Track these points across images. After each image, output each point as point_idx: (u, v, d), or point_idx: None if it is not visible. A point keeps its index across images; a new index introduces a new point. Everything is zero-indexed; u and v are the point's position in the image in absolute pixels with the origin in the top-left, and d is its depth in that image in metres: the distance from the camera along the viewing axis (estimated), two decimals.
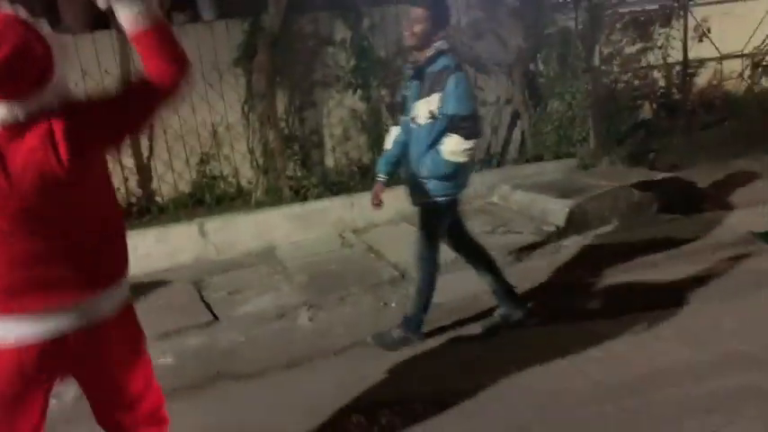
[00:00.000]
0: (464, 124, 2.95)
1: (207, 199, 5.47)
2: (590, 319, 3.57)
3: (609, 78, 6.51)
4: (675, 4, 7.17)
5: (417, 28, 2.99)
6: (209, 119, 5.54)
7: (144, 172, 5.45)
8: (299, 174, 5.71)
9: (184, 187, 5.56)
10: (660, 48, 7.23)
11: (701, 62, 7.55)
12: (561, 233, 4.81)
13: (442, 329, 3.52)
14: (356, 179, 5.75)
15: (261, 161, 5.48)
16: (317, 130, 5.96)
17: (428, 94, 3.00)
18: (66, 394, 3.02)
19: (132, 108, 1.78)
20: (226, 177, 5.71)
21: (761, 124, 6.87)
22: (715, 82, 7.72)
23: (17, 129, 1.61)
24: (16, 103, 1.59)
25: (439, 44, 3.02)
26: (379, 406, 2.84)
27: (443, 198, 3.13)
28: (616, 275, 4.06)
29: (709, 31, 7.58)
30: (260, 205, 5.39)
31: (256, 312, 3.98)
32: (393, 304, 3.94)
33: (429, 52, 3.01)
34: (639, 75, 7.12)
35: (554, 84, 6.19)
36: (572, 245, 4.69)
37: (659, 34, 7.24)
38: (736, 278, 3.86)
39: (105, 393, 1.94)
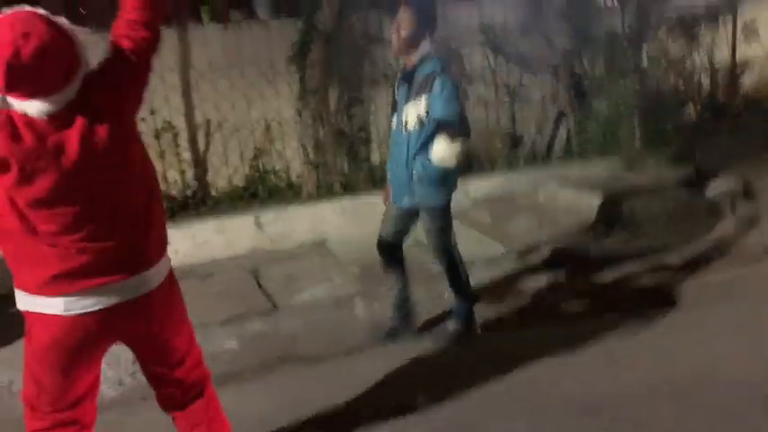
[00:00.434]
0: (450, 125, 2.95)
1: (260, 192, 5.65)
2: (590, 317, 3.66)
3: (655, 79, 6.52)
4: (722, 5, 7.14)
5: (403, 32, 3.02)
6: (264, 115, 5.71)
7: (200, 165, 5.66)
8: (347, 169, 5.86)
9: (238, 181, 5.75)
10: (706, 49, 7.20)
11: (748, 63, 7.50)
12: (608, 231, 4.89)
13: None
14: None
15: (312, 156, 5.64)
16: (364, 127, 6.10)
17: (415, 98, 3.02)
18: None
19: (143, 64, 1.92)
20: (277, 172, 5.88)
21: None
22: (762, 83, 7.65)
23: (62, 119, 1.74)
24: (52, 96, 1.71)
25: (425, 47, 3.05)
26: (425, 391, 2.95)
27: (438, 203, 3.19)
28: (654, 276, 4.12)
29: (757, 31, 7.52)
30: (311, 199, 5.55)
31: (313, 301, 4.14)
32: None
33: (416, 57, 3.05)
34: (685, 76, 7.09)
35: (600, 84, 6.23)
36: (616, 243, 4.76)
37: (705, 35, 7.21)
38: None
39: (153, 355, 2.11)
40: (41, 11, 1.73)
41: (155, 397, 2.24)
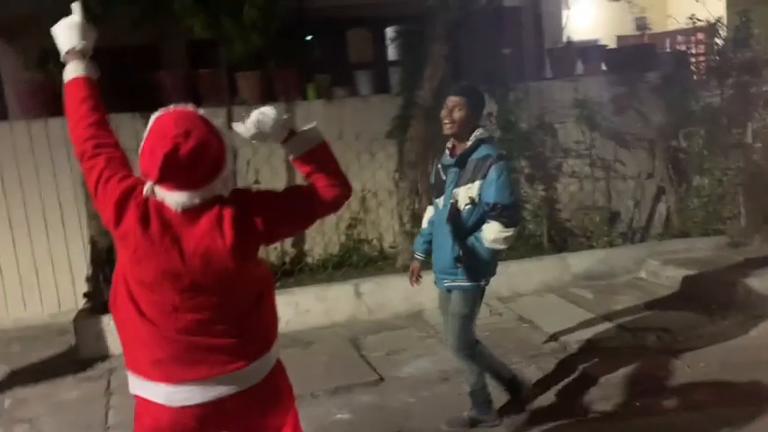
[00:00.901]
0: (505, 212, 2.94)
1: (354, 261, 5.69)
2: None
3: (760, 155, 6.33)
4: None
5: (457, 115, 3.01)
6: (361, 186, 5.83)
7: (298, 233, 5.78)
8: None
9: (332, 249, 5.82)
10: None
11: None
12: (723, 312, 4.64)
13: None
14: None
15: (408, 227, 5.68)
16: None
17: (470, 182, 2.99)
18: None
19: (294, 208, 1.95)
20: (370, 241, 5.94)
21: None
22: None
23: (192, 214, 1.78)
24: (193, 191, 1.77)
25: (479, 132, 3.05)
26: None
27: (476, 283, 3.11)
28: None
29: None
30: (405, 269, 5.54)
31: (419, 375, 4.05)
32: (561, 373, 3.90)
33: (469, 140, 3.03)
34: None
35: (701, 160, 6.10)
36: (734, 325, 4.49)
37: None
38: None
39: None
40: (201, 111, 1.83)
41: None
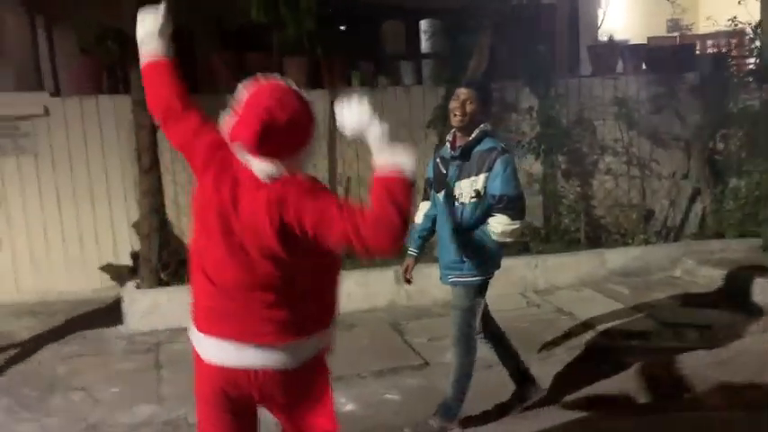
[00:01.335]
0: (511, 205, 2.93)
1: None
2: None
3: None
4: None
5: (468, 108, 2.98)
6: None
7: None
8: None
9: None
10: None
11: None
12: (760, 312, 4.68)
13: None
14: (536, 240, 5.85)
15: None
16: None
17: (474, 174, 2.96)
18: None
19: (333, 221, 1.73)
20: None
21: None
22: None
23: (260, 183, 1.80)
24: (280, 161, 1.78)
25: (484, 126, 3.02)
26: None
27: (482, 277, 3.09)
28: None
29: None
30: None
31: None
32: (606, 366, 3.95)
33: (474, 133, 3.00)
34: None
35: (740, 162, 6.12)
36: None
37: None
38: None
39: (294, 427, 2.06)
40: (293, 84, 1.85)
41: None
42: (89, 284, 5.48)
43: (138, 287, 4.81)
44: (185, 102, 2.03)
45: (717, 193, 6.18)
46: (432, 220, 3.26)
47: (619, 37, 9.51)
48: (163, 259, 4.90)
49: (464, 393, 3.26)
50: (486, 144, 2.98)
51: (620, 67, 6.86)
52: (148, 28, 2.06)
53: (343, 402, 3.47)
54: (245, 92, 1.81)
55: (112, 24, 4.65)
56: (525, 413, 3.41)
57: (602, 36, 8.14)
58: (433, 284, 5.19)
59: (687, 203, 6.34)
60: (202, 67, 5.25)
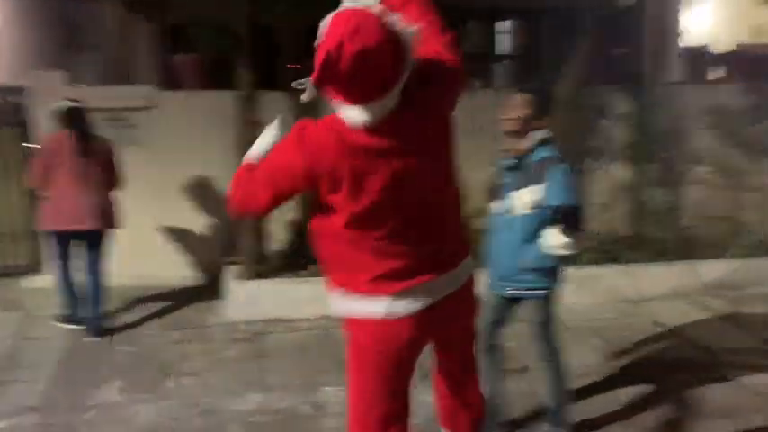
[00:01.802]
0: (570, 216, 2.79)
1: None
2: None
3: None
4: None
5: (521, 113, 2.87)
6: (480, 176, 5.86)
7: None
8: None
9: None
10: None
11: None
12: None
13: None
14: (621, 248, 5.77)
15: None
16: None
17: (531, 184, 2.86)
18: None
19: (460, 75, 1.88)
20: None
21: None
22: None
23: (382, 126, 1.69)
24: (367, 105, 1.65)
25: (541, 133, 2.88)
26: None
27: (544, 291, 2.98)
28: None
29: None
30: None
31: None
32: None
33: (529, 141, 2.88)
34: None
35: None
36: None
37: None
38: None
39: (461, 356, 2.14)
40: (378, 12, 1.64)
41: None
42: (189, 273, 5.70)
43: (238, 278, 4.96)
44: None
45: None
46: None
47: (703, 43, 9.31)
48: (262, 253, 5.04)
49: (566, 398, 3.23)
50: (544, 153, 2.86)
51: (712, 73, 6.70)
52: (272, 140, 2.01)
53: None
54: (327, 21, 1.64)
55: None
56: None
57: (687, 42, 7.96)
58: None
59: None
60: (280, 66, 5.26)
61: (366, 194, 1.76)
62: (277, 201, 1.91)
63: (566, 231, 2.79)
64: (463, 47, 7.55)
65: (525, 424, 3.40)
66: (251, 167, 1.95)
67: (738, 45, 9.90)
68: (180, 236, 5.73)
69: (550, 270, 2.96)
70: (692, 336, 4.53)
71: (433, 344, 2.12)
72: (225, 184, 5.55)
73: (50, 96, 4.73)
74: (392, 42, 1.60)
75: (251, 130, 4.95)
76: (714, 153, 6.17)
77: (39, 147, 4.59)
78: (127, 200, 4.74)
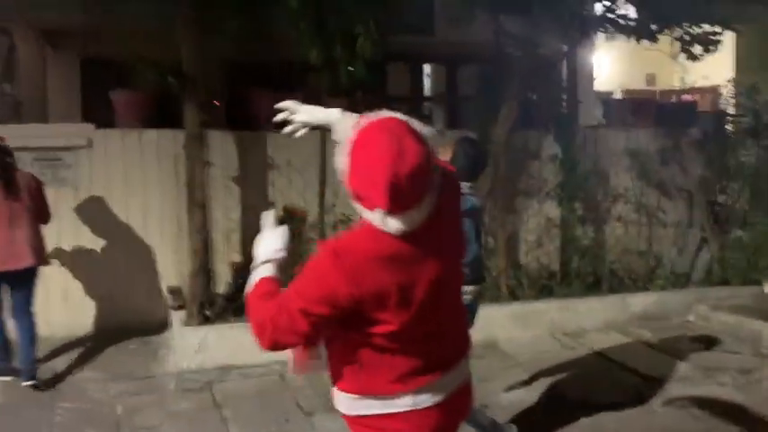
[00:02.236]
0: (465, 269, 3.05)
1: None
2: None
3: None
4: None
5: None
6: None
7: None
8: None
9: None
10: None
11: None
12: None
13: None
14: (555, 283, 6.09)
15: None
16: (514, 235, 6.41)
17: None
18: None
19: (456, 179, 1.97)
20: None
21: None
22: None
23: (419, 232, 1.70)
24: (408, 214, 1.65)
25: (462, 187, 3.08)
26: None
27: None
28: None
29: None
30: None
31: (518, 403, 4.24)
32: (659, 410, 4.14)
33: None
34: None
35: (742, 213, 6.57)
36: None
37: None
38: None
39: None
40: (405, 119, 1.66)
41: None
42: (125, 319, 5.35)
43: (185, 324, 4.77)
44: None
45: (723, 242, 6.59)
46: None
47: (602, 89, 10.12)
48: (209, 297, 4.88)
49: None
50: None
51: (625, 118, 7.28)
52: (282, 243, 1.94)
53: None
54: (355, 132, 1.63)
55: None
56: None
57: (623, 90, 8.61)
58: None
59: (695, 252, 6.72)
60: (241, 104, 5.29)
61: (413, 304, 1.76)
62: (316, 332, 1.81)
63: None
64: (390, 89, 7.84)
65: None
66: (269, 291, 1.85)
67: (627, 90, 10.90)
68: (118, 280, 5.43)
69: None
70: (629, 364, 4.82)
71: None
72: (166, 223, 5.54)
73: None
74: (425, 144, 1.64)
75: (200, 169, 4.86)
76: (632, 192, 6.70)
77: None
78: (62, 243, 4.47)
